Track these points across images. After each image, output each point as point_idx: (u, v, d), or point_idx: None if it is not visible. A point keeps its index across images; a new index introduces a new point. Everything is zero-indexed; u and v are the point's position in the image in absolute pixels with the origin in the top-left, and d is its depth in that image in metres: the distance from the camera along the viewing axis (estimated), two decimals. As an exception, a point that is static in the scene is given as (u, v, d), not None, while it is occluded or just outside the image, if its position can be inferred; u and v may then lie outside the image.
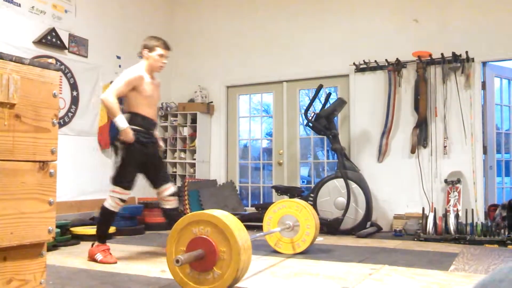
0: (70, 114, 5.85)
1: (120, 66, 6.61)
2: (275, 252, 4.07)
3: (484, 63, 5.70)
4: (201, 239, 2.58)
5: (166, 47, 4.07)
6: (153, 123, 4.03)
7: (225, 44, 7.17)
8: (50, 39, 5.54)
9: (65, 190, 5.45)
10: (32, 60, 1.40)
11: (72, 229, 4.93)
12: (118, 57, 6.61)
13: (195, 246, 2.58)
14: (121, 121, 3.73)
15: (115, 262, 3.70)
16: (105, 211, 3.81)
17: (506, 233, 4.73)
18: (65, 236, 4.65)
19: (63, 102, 5.71)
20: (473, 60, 5.60)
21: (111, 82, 6.40)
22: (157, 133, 4.23)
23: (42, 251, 1.43)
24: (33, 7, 5.41)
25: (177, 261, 2.43)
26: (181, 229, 2.65)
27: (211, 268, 2.55)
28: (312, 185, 6.30)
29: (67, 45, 5.79)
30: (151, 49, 4.00)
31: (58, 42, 5.64)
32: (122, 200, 3.83)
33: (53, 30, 5.58)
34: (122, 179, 3.81)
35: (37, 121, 1.38)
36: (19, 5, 5.28)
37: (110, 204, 3.79)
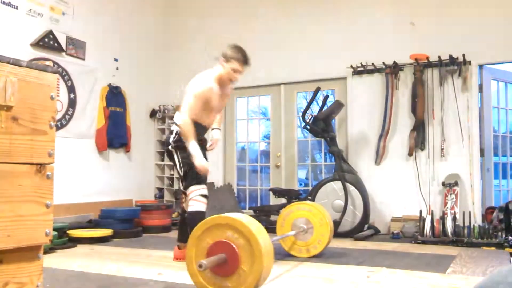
0: (67, 117, 5.84)
1: (117, 68, 6.61)
2: (290, 256, 4.03)
3: (481, 66, 5.71)
4: (230, 247, 2.53)
5: (244, 62, 3.75)
6: (206, 129, 3.88)
7: (222, 47, 7.16)
8: (47, 42, 5.54)
9: (63, 192, 5.43)
10: (29, 63, 1.40)
11: (69, 231, 4.92)
12: (116, 60, 6.61)
13: (221, 248, 2.54)
14: (194, 148, 3.54)
15: None
16: (192, 215, 3.55)
17: (504, 235, 4.74)
18: (62, 239, 4.64)
19: (60, 104, 5.71)
20: (470, 63, 5.62)
21: (108, 85, 6.43)
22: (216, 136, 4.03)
23: (39, 253, 1.43)
24: (30, 9, 5.41)
25: (200, 266, 2.41)
26: (216, 224, 2.60)
27: (225, 276, 2.54)
28: (310, 188, 6.30)
29: (64, 48, 5.79)
30: (227, 59, 3.72)
31: (56, 44, 5.64)
32: (204, 196, 3.64)
33: (51, 32, 5.57)
34: (193, 179, 3.64)
35: (34, 123, 1.38)
36: (17, 8, 5.27)
37: (194, 206, 3.60)
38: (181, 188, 3.83)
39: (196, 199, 3.61)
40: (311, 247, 4.00)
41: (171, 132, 3.80)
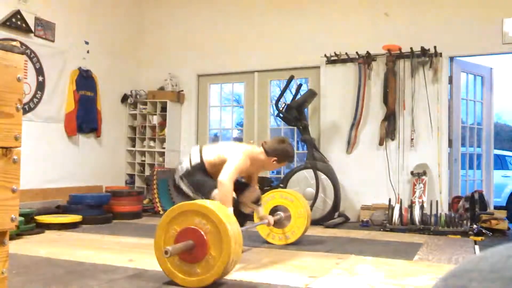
0: (35, 100, 5.69)
1: (88, 51, 6.47)
2: (267, 243, 4.04)
3: (451, 58, 5.81)
4: (198, 233, 2.53)
5: (290, 161, 3.86)
6: None
7: (197, 33, 7.09)
8: (15, 22, 5.36)
9: (30, 177, 5.32)
10: (-6, 43, 1.35)
11: (37, 217, 4.82)
12: (87, 43, 6.45)
13: (189, 235, 2.54)
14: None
15: None
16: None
17: (469, 224, 4.87)
18: (29, 225, 4.54)
19: (28, 87, 5.55)
20: (441, 55, 5.71)
21: (78, 68, 6.29)
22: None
23: (4, 239, 1.39)
24: (-3, -12, 5.22)
25: (166, 253, 2.40)
26: (183, 211, 2.60)
27: (195, 262, 2.54)
28: (282, 176, 6.33)
29: (33, 29, 5.61)
30: (278, 161, 3.58)
31: (24, 25, 5.46)
32: None
33: (18, 12, 5.39)
34: (206, 187, 3.40)
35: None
36: (-18, -14, 5.08)
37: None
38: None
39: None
40: (289, 233, 4.02)
41: (180, 164, 3.60)
